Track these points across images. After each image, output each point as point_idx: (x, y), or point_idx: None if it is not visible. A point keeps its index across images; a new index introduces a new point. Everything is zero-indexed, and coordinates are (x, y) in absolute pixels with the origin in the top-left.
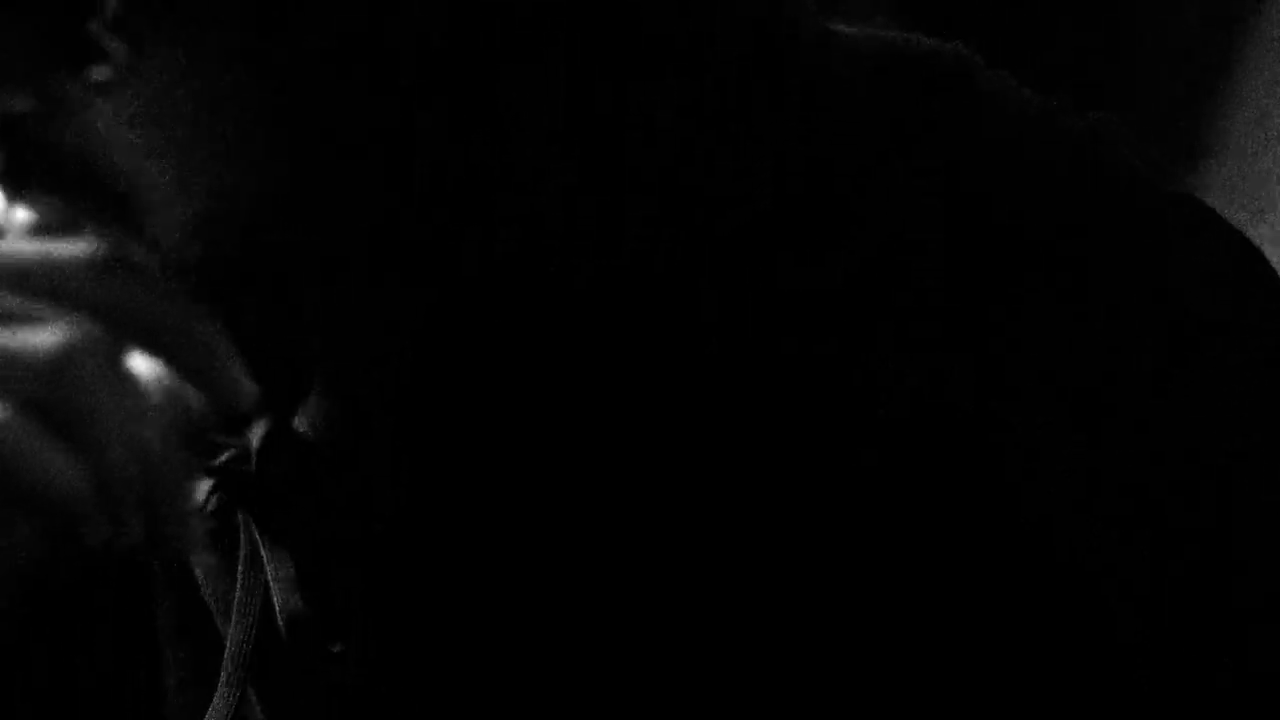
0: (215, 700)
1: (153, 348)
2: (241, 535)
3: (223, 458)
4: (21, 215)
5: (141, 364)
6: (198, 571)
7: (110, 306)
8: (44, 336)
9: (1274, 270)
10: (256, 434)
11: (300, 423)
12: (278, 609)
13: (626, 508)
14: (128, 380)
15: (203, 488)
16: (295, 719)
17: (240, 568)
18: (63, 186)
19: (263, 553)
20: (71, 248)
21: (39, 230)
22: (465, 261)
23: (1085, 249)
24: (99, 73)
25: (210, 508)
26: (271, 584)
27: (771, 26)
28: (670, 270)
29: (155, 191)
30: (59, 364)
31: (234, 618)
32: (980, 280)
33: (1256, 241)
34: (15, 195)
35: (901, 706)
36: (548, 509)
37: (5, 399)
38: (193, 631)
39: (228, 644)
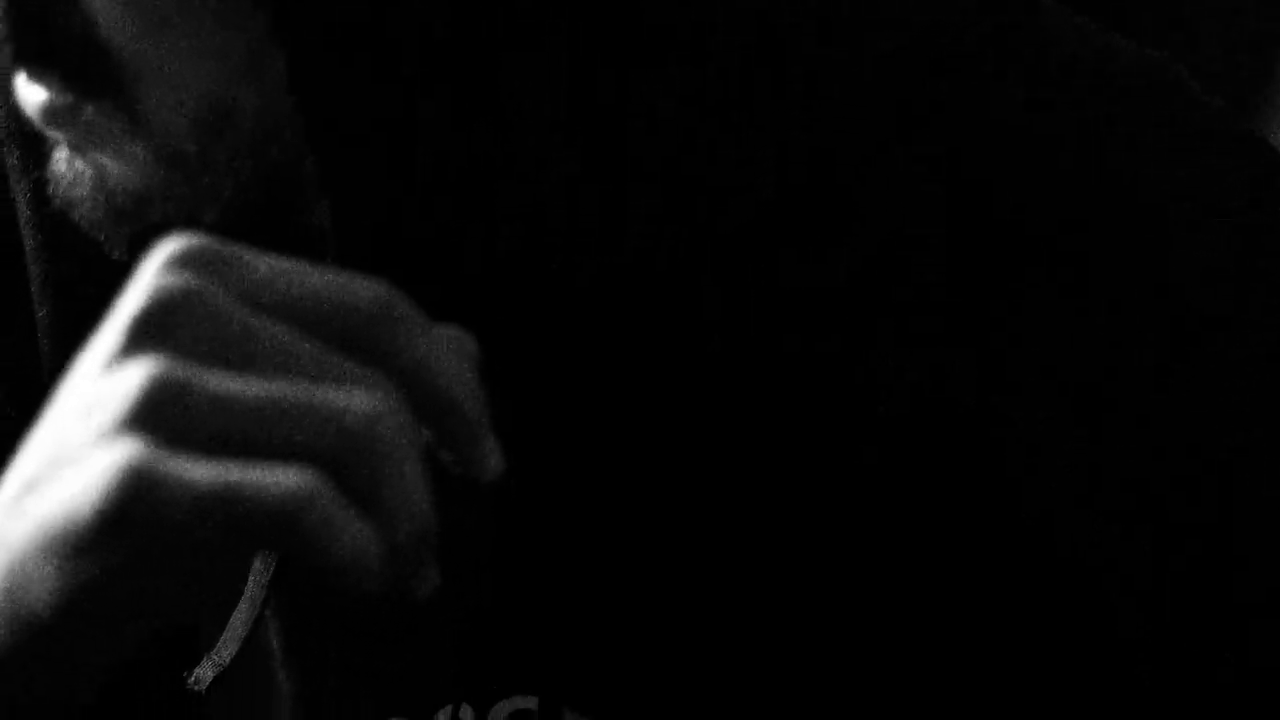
0: (245, 595)
1: (430, 416)
2: None
3: None
4: (36, 95)
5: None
6: None
7: (405, 368)
8: (353, 399)
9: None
10: None
11: None
12: None
13: (628, 505)
14: (416, 445)
15: None
16: (309, 638)
17: None
18: (66, 64)
19: None
20: (367, 292)
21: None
22: (468, 259)
23: (1086, 244)
24: None
25: None
26: None
27: (774, 15)
28: (673, 267)
29: (147, 78)
30: (366, 431)
31: None
32: (981, 275)
33: None
34: (29, 73)
35: (902, 702)
36: (548, 506)
37: (315, 461)
38: None
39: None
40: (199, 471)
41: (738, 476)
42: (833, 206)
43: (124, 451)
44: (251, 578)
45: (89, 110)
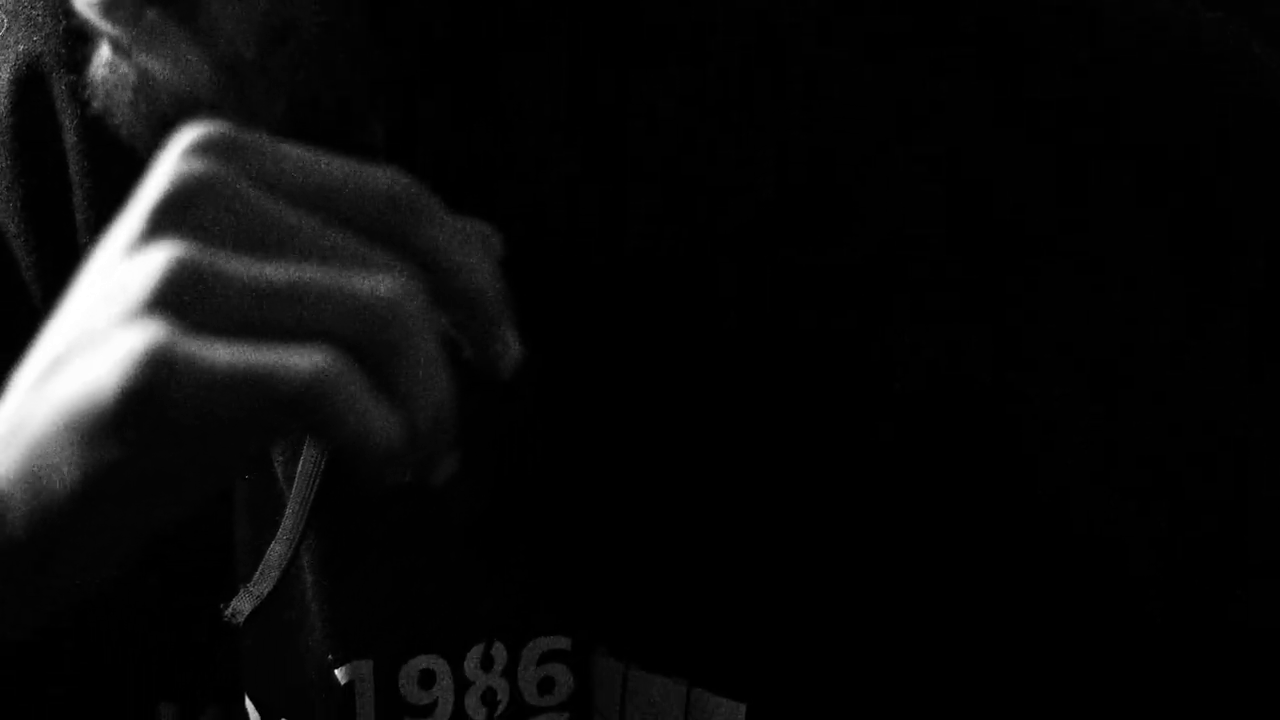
0: (281, 529)
1: (449, 302)
2: None
3: None
4: None
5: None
6: None
7: (423, 253)
8: (374, 283)
9: None
10: None
11: None
12: None
13: (640, 490)
14: (434, 331)
15: None
16: (344, 565)
17: None
18: None
19: None
20: (387, 180)
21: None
22: None
23: (1086, 244)
24: None
25: None
26: None
27: (774, 15)
28: (673, 267)
29: None
30: (387, 314)
31: (304, 448)
32: (994, 253)
33: None
34: None
35: (911, 676)
36: (560, 495)
37: (336, 345)
38: (265, 468)
39: (299, 469)
40: (221, 353)
41: (753, 453)
42: (833, 206)
43: (147, 334)
44: (288, 512)
45: (151, 12)
